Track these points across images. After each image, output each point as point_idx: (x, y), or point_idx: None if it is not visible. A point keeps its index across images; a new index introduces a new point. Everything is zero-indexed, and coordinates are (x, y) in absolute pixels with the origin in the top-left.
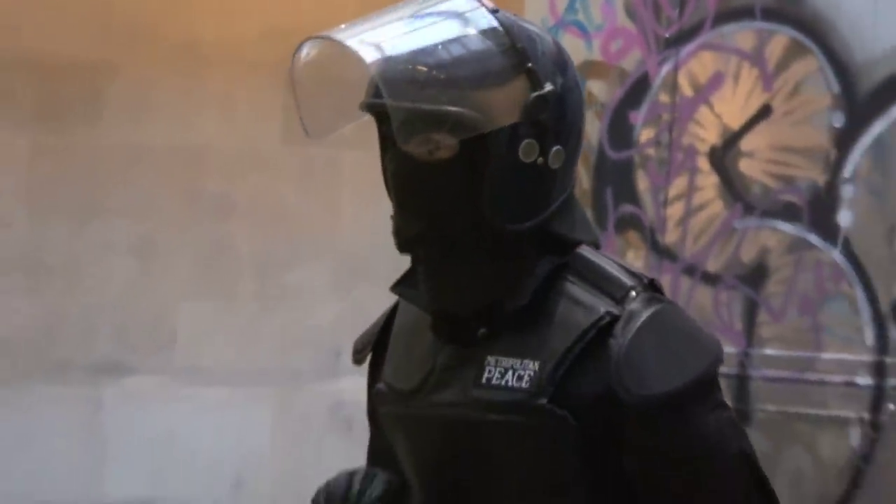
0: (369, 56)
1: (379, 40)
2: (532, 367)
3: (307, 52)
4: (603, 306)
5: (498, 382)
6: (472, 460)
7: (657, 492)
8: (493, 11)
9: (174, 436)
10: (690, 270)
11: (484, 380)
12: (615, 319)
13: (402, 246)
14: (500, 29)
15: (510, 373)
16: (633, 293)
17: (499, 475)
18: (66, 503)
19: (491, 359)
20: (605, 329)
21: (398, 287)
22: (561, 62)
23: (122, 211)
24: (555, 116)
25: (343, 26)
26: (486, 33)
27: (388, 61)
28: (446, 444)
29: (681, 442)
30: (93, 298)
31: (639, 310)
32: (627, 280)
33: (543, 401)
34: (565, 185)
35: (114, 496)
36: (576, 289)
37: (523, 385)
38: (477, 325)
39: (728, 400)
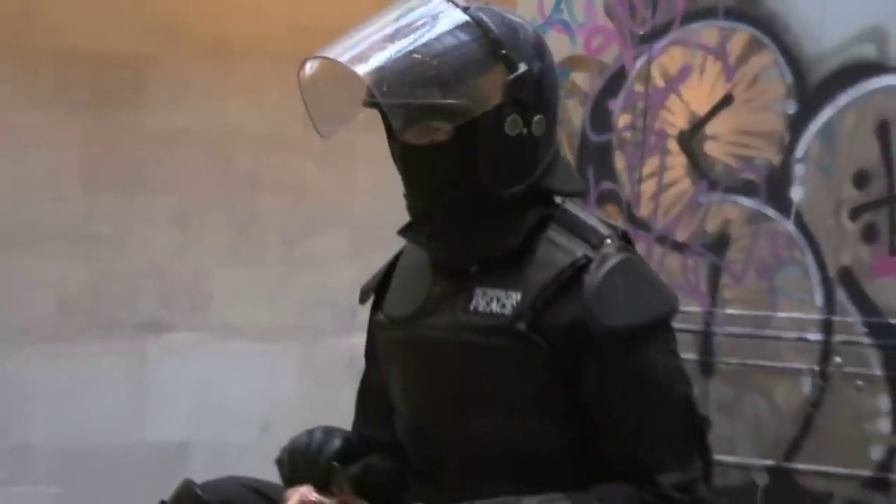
0: (362, 69)
1: (368, 52)
2: (515, 297)
3: (306, 68)
4: (580, 250)
5: (484, 309)
6: (456, 377)
7: (604, 416)
8: (465, 9)
9: (209, 386)
10: (662, 239)
11: (472, 307)
12: (590, 261)
13: (416, 219)
14: (472, 22)
15: (495, 301)
16: (608, 241)
17: (478, 392)
18: (113, 446)
19: (479, 290)
20: (580, 269)
21: (404, 232)
22: (539, 48)
23: (163, 186)
24: (533, 93)
25: (337, 42)
26: (461, 28)
27: (378, 70)
28: (435, 363)
29: (634, 373)
30: (137, 264)
31: (611, 255)
32: (603, 230)
33: (522, 326)
34: (549, 147)
35: (155, 439)
36: (558, 235)
37: (506, 312)
38: (468, 262)
39: (694, 353)
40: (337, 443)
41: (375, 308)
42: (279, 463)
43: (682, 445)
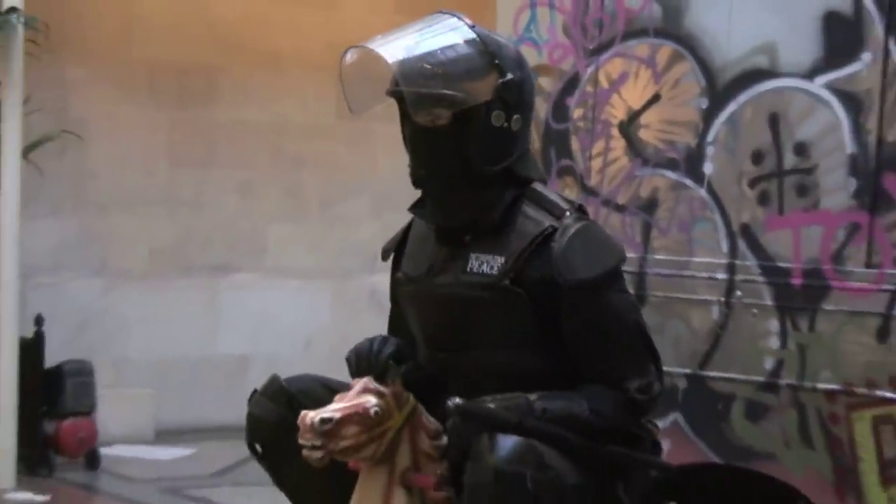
0: (391, 58)
1: (397, 49)
2: (500, 260)
3: (350, 56)
4: (547, 221)
5: (477, 270)
6: (459, 322)
7: (579, 345)
8: (472, 27)
9: (265, 313)
10: (607, 203)
11: (468, 269)
12: (555, 230)
13: (416, 183)
14: (477, 38)
15: (485, 264)
16: (568, 213)
17: (476, 332)
18: (192, 357)
19: (473, 255)
20: (548, 236)
21: (413, 208)
22: (520, 61)
23: (230, 164)
24: (515, 96)
25: (373, 39)
26: (468, 42)
27: (403, 62)
28: (442, 311)
29: (596, 311)
30: (210, 222)
31: (571, 224)
32: (564, 205)
33: (506, 282)
34: (524, 141)
35: (224, 353)
36: (530, 210)
37: (494, 272)
38: (464, 233)
39: (631, 288)
40: (391, 348)
41: (395, 267)
42: (348, 360)
43: (639, 358)
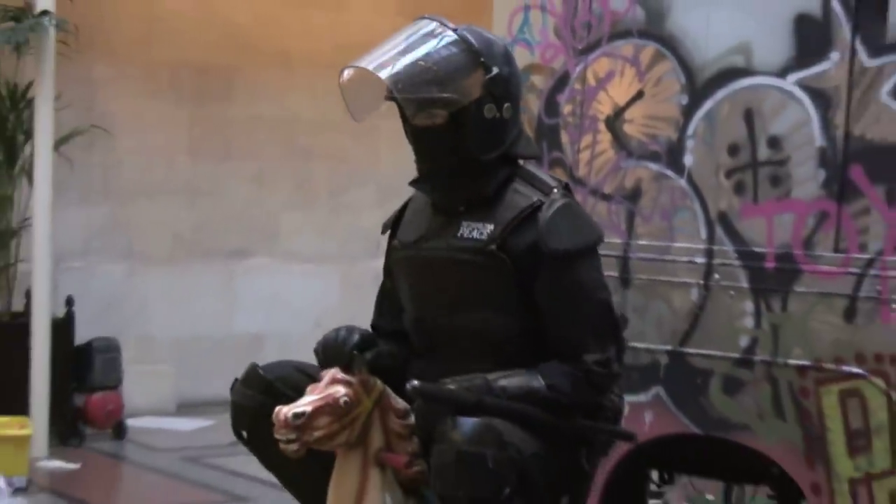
0: (384, 74)
1: (388, 62)
2: (489, 228)
3: (344, 75)
4: (536, 196)
5: (468, 236)
6: (446, 283)
7: (549, 310)
8: (454, 29)
9: (277, 295)
10: (594, 192)
11: (458, 235)
12: (542, 204)
13: (422, 176)
14: (459, 38)
15: (475, 231)
16: (555, 190)
17: (463, 294)
18: (210, 336)
19: (464, 223)
20: (536, 209)
21: (415, 183)
22: (507, 57)
23: (245, 155)
24: (503, 88)
25: (366, 55)
26: (451, 43)
27: (395, 74)
28: (432, 273)
29: (569, 280)
30: (227, 210)
31: (557, 199)
32: (552, 182)
33: (493, 247)
34: (515, 126)
35: (240, 331)
36: (520, 186)
37: (482, 238)
38: (459, 205)
39: (616, 272)
40: (356, 337)
41: (391, 238)
42: (316, 352)
43: (601, 333)
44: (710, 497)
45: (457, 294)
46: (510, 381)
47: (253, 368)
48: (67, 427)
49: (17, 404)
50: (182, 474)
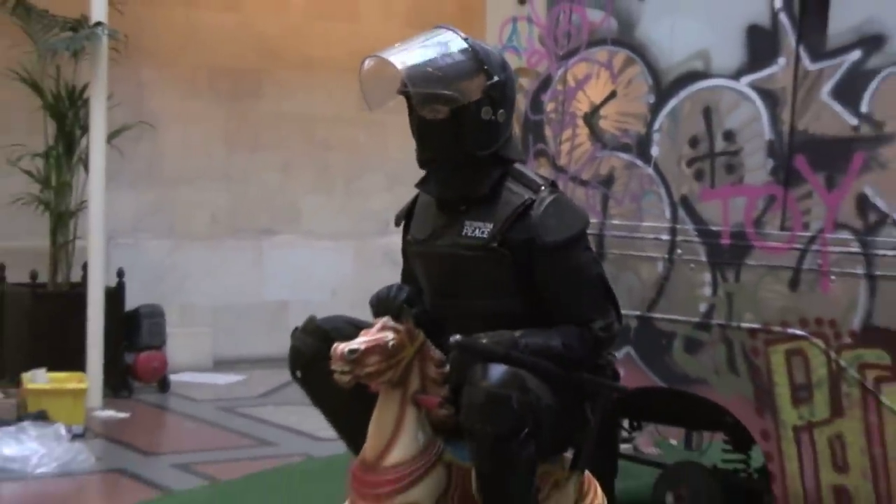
0: (401, 65)
1: (405, 57)
2: (489, 226)
3: (367, 63)
4: (527, 194)
5: (471, 234)
6: (456, 275)
7: (553, 294)
8: (465, 39)
9: (300, 267)
10: (574, 178)
11: (463, 233)
12: (533, 202)
13: (422, 164)
14: (469, 48)
15: (477, 230)
16: (543, 188)
17: (468, 283)
18: (242, 303)
19: (467, 222)
20: (528, 206)
21: (419, 184)
22: (505, 65)
23: (273, 147)
24: (500, 94)
25: (385, 50)
26: (461, 51)
27: (410, 68)
28: (442, 267)
29: (567, 266)
30: (257, 194)
31: (546, 196)
32: (540, 181)
33: (494, 244)
34: (507, 130)
35: (268, 298)
36: (513, 185)
37: (484, 236)
38: (460, 204)
39: (593, 247)
40: (404, 294)
41: (405, 231)
42: (371, 304)
43: (602, 303)
44: (673, 442)
45: (465, 283)
46: (532, 338)
47: (311, 320)
48: (118, 382)
49: (75, 362)
50: (218, 422)
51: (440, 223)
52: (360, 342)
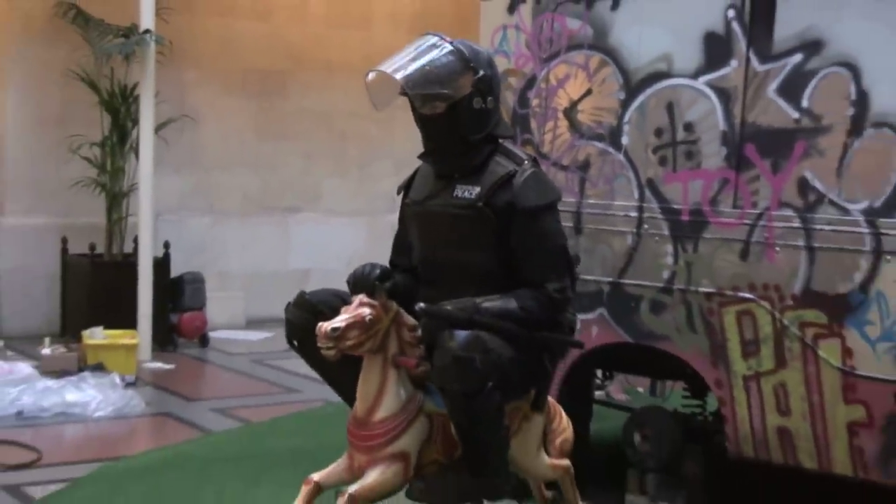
0: (398, 75)
1: (401, 67)
2: (476, 189)
3: (371, 76)
4: (511, 166)
5: (461, 196)
6: (446, 230)
7: (520, 252)
8: (451, 42)
9: (320, 240)
10: (555, 164)
11: (455, 195)
12: (516, 172)
13: (427, 154)
14: (454, 49)
15: (467, 192)
16: (526, 162)
17: (457, 238)
18: (270, 270)
19: (459, 186)
20: (511, 176)
21: (422, 156)
22: (491, 63)
23: (297, 138)
24: (487, 85)
25: (385, 62)
26: (449, 53)
27: (407, 76)
28: (435, 223)
29: (535, 229)
30: (284, 177)
31: (527, 169)
32: (523, 156)
33: (480, 204)
34: (496, 113)
35: (292, 267)
36: (500, 159)
37: (472, 197)
38: (454, 173)
39: (572, 223)
40: (377, 271)
41: (404, 197)
42: (347, 282)
43: (559, 269)
44: (640, 389)
45: (452, 238)
46: (492, 303)
47: (301, 295)
48: (165, 338)
49: (127, 321)
50: (250, 372)
51: (436, 188)
52: (341, 320)
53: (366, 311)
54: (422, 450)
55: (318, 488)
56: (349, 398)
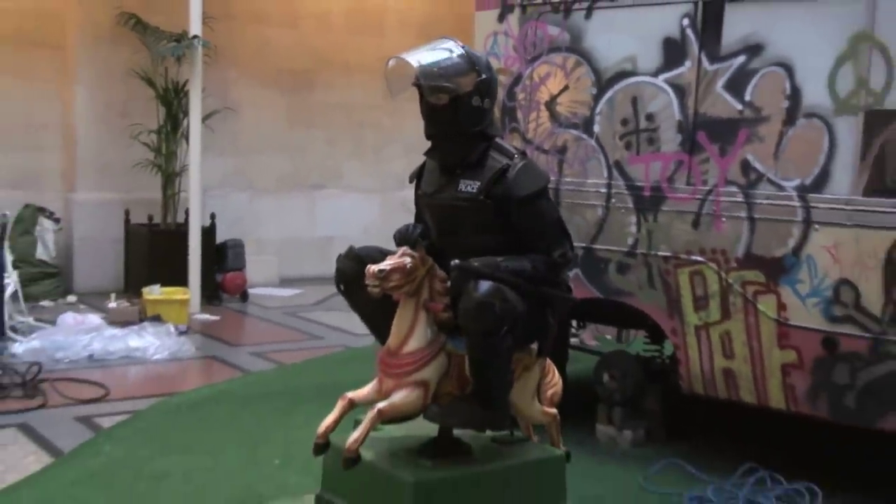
0: (415, 63)
1: (419, 57)
2: (477, 184)
3: (391, 62)
4: (505, 160)
5: (464, 190)
6: (453, 220)
7: (525, 232)
8: (462, 46)
9: (341, 212)
10: (538, 148)
11: (459, 189)
12: (510, 166)
13: (428, 137)
14: (464, 53)
15: (469, 186)
16: (516, 156)
17: (462, 225)
18: (299, 237)
19: (462, 181)
20: (505, 170)
21: (428, 153)
22: (489, 66)
23: (322, 126)
24: (487, 87)
25: (407, 52)
26: (459, 55)
27: (421, 66)
28: (444, 214)
29: (534, 213)
30: (311, 160)
31: (518, 162)
32: (514, 151)
33: (481, 197)
34: (491, 113)
35: (318, 235)
36: (495, 154)
37: (473, 191)
38: (456, 168)
39: (553, 197)
40: (419, 230)
41: (417, 187)
42: (394, 236)
43: (559, 238)
44: (608, 337)
45: (460, 225)
46: (511, 262)
47: (351, 248)
48: (212, 294)
49: (180, 280)
50: (283, 322)
51: (442, 182)
52: (386, 264)
53: (407, 259)
54: (440, 382)
55: (352, 404)
56: (382, 335)
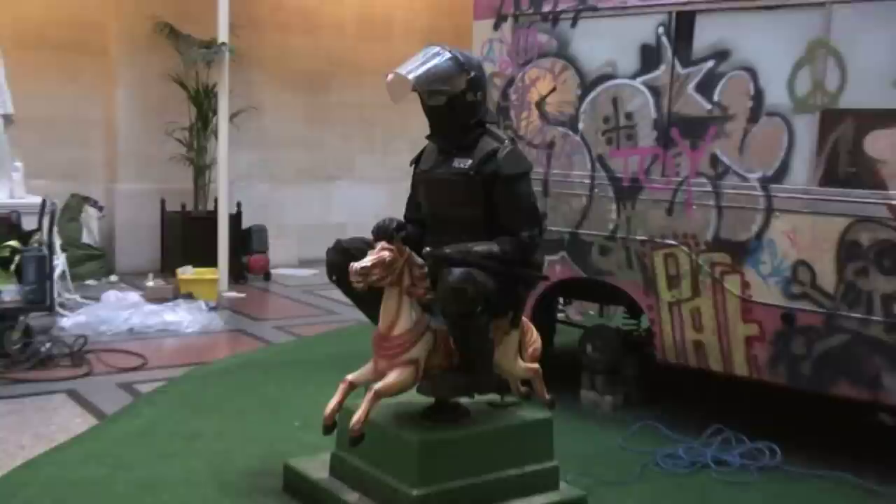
0: (410, 76)
1: (413, 69)
2: (469, 161)
3: (389, 77)
4: (496, 144)
5: (458, 166)
6: (446, 193)
7: (502, 208)
8: (450, 50)
9: (353, 201)
10: (529, 143)
11: (453, 165)
12: (500, 149)
13: (432, 133)
14: (452, 56)
15: (461, 163)
16: (507, 141)
17: (454, 198)
18: (316, 223)
19: (456, 159)
20: (495, 151)
21: (429, 136)
22: (480, 66)
23: (337, 123)
24: (478, 83)
25: (401, 66)
26: (449, 59)
27: (417, 76)
28: (438, 187)
29: (513, 191)
30: (327, 153)
31: (507, 146)
32: (504, 137)
33: (472, 173)
34: (484, 104)
35: (332, 221)
36: (487, 139)
37: (466, 167)
38: (452, 148)
39: (541, 188)
40: (395, 223)
41: (415, 168)
42: (373, 232)
43: (531, 220)
44: (591, 312)
45: (451, 198)
46: (480, 247)
47: (337, 242)
48: (238, 273)
49: (211, 261)
50: (301, 299)
51: (439, 160)
52: (367, 261)
53: (386, 254)
54: (428, 357)
55: (352, 386)
56: (374, 319)
